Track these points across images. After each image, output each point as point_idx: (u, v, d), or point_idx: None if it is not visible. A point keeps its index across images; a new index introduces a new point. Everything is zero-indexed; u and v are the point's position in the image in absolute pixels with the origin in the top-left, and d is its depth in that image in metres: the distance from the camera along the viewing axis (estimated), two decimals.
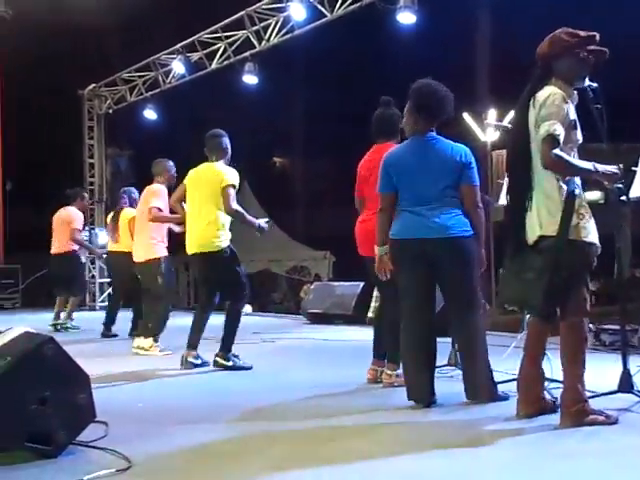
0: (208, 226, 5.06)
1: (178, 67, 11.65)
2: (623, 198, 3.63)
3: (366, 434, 3.18)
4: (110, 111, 14.14)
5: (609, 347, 5.66)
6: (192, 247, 5.16)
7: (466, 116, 15.87)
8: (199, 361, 5.14)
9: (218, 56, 11.21)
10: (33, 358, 2.77)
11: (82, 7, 11.13)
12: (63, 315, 8.45)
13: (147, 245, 6.25)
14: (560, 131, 3.13)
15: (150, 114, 12.91)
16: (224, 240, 5.09)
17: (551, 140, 3.11)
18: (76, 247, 8.32)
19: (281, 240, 18.97)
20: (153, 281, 6.20)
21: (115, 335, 7.54)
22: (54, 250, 8.33)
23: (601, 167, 3.26)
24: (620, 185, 3.62)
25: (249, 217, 5.14)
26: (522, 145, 3.33)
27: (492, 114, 15.29)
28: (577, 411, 3.15)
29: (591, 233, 3.21)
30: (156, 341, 6.02)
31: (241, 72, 10.72)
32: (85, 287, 8.31)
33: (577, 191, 3.23)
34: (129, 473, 2.57)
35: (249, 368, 5.11)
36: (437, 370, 4.18)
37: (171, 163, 6.45)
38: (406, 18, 8.44)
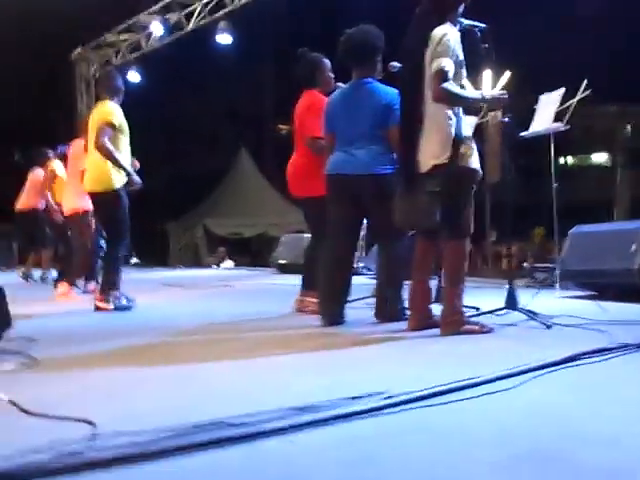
0: (98, 164, 5.11)
1: (157, 28, 11.88)
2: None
3: (264, 343, 3.52)
4: (97, 75, 14.39)
5: (541, 283, 6.01)
6: (85, 184, 5.32)
7: None
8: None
9: (195, 16, 11.45)
10: None
11: None
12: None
13: (74, 197, 6.58)
14: (450, 67, 3.40)
15: (134, 76, 13.17)
16: (114, 181, 5.08)
17: (441, 74, 3.38)
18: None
19: (278, 205, 18.98)
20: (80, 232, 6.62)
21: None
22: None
23: (488, 94, 3.60)
24: (507, 119, 3.93)
25: (120, 161, 5.03)
26: (416, 80, 3.58)
27: None
28: (453, 321, 3.48)
29: (475, 161, 3.53)
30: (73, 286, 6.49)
31: (216, 32, 10.97)
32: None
33: (463, 124, 3.53)
34: (34, 368, 2.91)
35: (130, 308, 5.10)
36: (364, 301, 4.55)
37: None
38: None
